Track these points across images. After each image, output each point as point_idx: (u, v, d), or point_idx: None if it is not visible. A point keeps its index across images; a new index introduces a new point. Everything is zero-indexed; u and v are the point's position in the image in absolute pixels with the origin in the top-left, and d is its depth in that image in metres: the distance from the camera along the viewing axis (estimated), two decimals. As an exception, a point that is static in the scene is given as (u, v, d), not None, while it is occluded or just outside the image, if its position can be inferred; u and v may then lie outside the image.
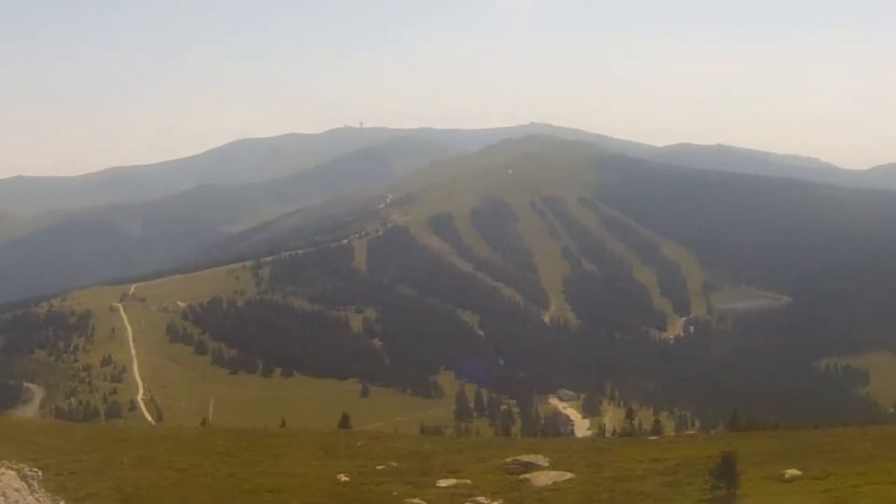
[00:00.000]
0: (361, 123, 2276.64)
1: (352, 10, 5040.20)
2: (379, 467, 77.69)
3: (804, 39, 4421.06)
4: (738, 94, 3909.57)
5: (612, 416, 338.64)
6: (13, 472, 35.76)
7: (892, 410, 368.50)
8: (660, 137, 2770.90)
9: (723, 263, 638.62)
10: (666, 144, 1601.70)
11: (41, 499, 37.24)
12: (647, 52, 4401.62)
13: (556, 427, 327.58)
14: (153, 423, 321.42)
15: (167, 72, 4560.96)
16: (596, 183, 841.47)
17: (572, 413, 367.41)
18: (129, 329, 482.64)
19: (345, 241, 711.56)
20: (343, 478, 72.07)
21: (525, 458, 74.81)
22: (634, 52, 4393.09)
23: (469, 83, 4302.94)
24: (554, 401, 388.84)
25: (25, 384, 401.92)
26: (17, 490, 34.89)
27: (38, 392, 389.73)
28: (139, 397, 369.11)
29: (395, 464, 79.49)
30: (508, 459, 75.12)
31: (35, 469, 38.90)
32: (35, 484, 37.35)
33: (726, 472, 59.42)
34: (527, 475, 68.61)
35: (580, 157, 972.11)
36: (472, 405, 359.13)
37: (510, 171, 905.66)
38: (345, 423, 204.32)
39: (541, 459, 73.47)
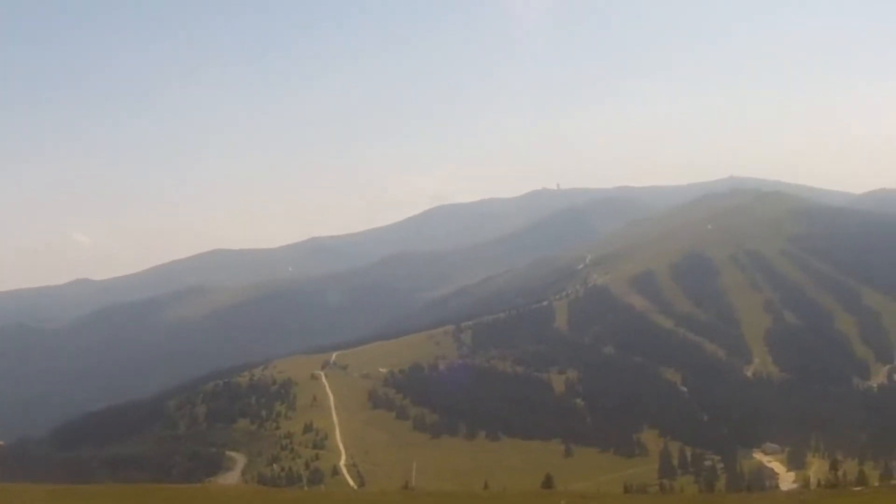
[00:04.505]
0: (558, 185, 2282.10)
1: (544, 74, 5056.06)
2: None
3: None
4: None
5: (816, 469, 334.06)
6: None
7: None
8: (859, 183, 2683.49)
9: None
10: (865, 191, 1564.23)
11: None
12: (839, 97, 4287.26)
13: (761, 481, 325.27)
14: (356, 488, 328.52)
15: (363, 143, 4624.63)
16: (796, 234, 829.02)
17: (777, 467, 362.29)
18: (331, 396, 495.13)
19: (545, 304, 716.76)
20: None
21: (730, 513, 74.21)
22: (826, 98, 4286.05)
23: (664, 139, 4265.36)
24: (758, 455, 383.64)
25: (228, 452, 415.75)
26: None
27: (239, 460, 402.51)
28: (341, 463, 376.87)
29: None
30: (713, 515, 74.42)
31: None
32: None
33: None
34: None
35: (780, 208, 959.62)
36: (675, 462, 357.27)
37: (710, 227, 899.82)
38: (548, 483, 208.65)
39: (745, 514, 72.76)
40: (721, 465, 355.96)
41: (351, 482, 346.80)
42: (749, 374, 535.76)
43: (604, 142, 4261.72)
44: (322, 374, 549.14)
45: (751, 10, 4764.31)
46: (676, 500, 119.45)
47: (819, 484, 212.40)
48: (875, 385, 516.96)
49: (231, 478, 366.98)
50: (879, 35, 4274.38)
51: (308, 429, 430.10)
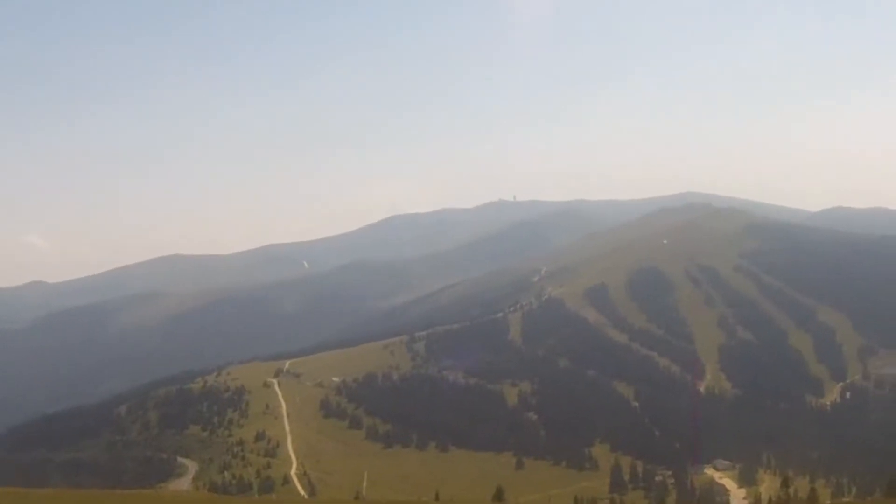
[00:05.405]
0: (515, 197, 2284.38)
1: (501, 87, 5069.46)
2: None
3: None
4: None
5: (768, 486, 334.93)
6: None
7: None
8: (814, 201, 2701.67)
9: (880, 328, 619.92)
10: (821, 208, 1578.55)
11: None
12: (795, 115, 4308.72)
13: (712, 498, 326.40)
14: (306, 497, 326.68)
15: (320, 151, 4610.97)
16: (751, 250, 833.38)
17: (728, 483, 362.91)
18: (284, 404, 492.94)
19: (499, 315, 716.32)
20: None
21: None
22: (784, 115, 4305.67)
23: (621, 154, 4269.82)
24: (709, 471, 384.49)
25: (179, 458, 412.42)
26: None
27: (191, 466, 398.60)
28: (293, 472, 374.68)
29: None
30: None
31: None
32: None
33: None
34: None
35: (735, 224, 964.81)
36: (626, 477, 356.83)
37: (665, 241, 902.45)
38: (499, 495, 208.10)
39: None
40: (672, 481, 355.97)
41: (301, 491, 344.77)
42: (701, 389, 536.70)
43: (561, 155, 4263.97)
44: (275, 381, 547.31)
45: (707, 29, 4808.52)
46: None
47: (770, 501, 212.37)
48: (828, 403, 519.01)
49: (182, 484, 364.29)
50: (836, 55, 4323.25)
51: (260, 437, 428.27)
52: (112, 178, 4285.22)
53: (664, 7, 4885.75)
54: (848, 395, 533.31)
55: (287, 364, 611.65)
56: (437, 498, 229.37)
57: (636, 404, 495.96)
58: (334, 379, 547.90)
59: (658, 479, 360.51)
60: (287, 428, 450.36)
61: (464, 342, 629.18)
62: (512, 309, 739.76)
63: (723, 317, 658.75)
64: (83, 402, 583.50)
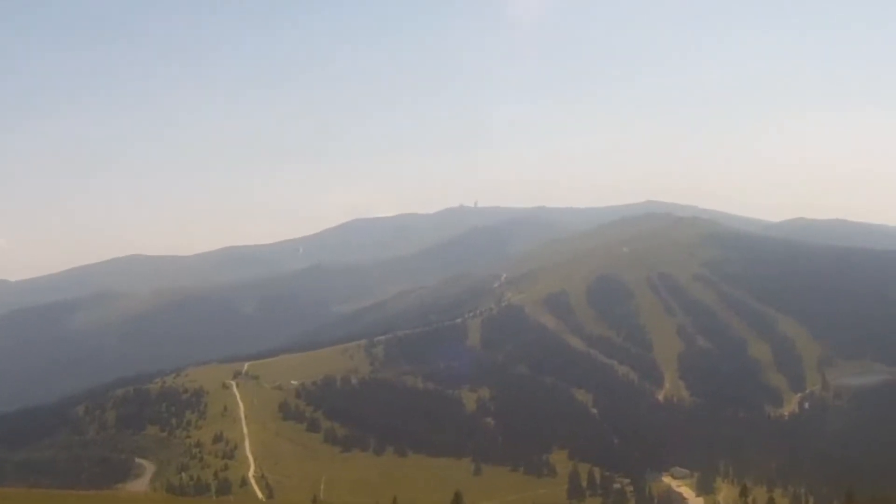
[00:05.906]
0: (476, 203, 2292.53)
1: (462, 95, 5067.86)
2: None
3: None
4: (857, 166, 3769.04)
5: (726, 494, 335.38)
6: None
7: None
8: (776, 212, 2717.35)
9: (839, 339, 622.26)
10: (782, 219, 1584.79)
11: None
12: (759, 126, 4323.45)
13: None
14: (264, 499, 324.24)
15: (282, 154, 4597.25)
16: (711, 259, 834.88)
17: (686, 491, 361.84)
18: (242, 406, 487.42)
19: (459, 321, 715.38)
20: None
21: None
22: (747, 126, 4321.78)
23: (582, 162, 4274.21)
24: (667, 479, 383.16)
25: (137, 459, 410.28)
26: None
27: (148, 467, 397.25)
28: (250, 474, 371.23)
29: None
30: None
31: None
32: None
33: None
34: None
35: (696, 233, 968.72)
36: (584, 484, 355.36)
37: (625, 249, 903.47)
38: (457, 501, 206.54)
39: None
40: (630, 488, 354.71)
41: (259, 493, 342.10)
42: (660, 397, 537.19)
43: (523, 163, 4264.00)
44: (234, 383, 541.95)
45: (671, 40, 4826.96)
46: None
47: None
48: (787, 413, 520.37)
49: (140, 485, 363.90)
50: (799, 69, 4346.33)
51: (218, 438, 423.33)
52: (73, 178, 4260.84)
53: (620, 21, 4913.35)
54: (807, 405, 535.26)
55: (246, 366, 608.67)
56: (394, 502, 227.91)
57: (595, 411, 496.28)
58: (293, 382, 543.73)
59: (616, 486, 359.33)
60: (245, 430, 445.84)
61: (423, 347, 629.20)
62: (471, 315, 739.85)
63: (682, 325, 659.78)
64: (41, 402, 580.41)
